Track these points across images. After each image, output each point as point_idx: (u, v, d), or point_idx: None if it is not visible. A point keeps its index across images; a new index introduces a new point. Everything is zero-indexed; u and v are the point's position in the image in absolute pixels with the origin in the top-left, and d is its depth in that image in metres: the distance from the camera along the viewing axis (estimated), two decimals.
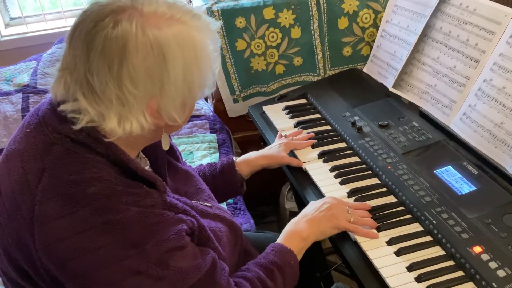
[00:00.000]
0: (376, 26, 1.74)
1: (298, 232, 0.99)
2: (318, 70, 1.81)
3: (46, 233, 0.71)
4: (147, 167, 0.94)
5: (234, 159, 1.24)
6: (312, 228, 0.99)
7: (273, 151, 1.26)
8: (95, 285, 0.73)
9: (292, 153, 1.31)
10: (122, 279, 0.72)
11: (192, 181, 1.04)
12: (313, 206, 1.04)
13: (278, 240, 0.98)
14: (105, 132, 0.76)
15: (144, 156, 0.95)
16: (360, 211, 1.05)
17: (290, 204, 1.93)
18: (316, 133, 1.37)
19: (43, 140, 0.76)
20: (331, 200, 1.05)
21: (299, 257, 0.97)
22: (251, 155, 1.26)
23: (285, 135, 1.35)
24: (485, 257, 0.90)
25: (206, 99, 2.15)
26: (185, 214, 0.82)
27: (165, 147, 0.85)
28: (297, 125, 1.43)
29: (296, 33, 1.74)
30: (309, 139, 1.33)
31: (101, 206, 0.72)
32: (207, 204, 0.98)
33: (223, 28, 1.70)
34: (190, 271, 0.77)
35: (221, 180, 1.21)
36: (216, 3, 1.71)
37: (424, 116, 1.35)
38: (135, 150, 0.85)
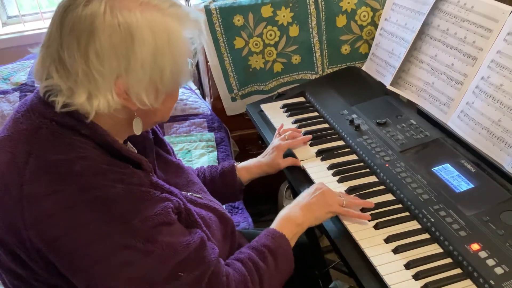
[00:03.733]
0: (374, 24, 1.74)
1: (292, 218, 1.01)
2: (316, 68, 1.81)
3: (35, 211, 0.73)
4: None
5: (235, 164, 1.25)
6: (307, 214, 1.01)
7: (267, 159, 1.25)
8: (84, 262, 0.74)
9: (290, 152, 1.30)
10: (111, 255, 0.73)
11: (183, 173, 1.05)
12: (306, 193, 1.07)
13: (272, 226, 1.00)
14: (81, 110, 0.78)
15: (132, 145, 0.96)
16: (352, 196, 1.08)
17: (288, 203, 1.92)
18: (314, 131, 1.37)
19: (30, 125, 0.79)
20: (322, 186, 1.07)
21: (292, 242, 0.98)
22: (251, 162, 1.27)
23: (279, 132, 1.34)
24: (482, 254, 0.90)
25: (204, 97, 2.15)
26: (171, 195, 0.84)
27: (136, 131, 0.85)
28: (295, 123, 1.42)
29: (294, 31, 1.74)
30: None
31: (87, 183, 0.74)
32: (197, 195, 0.99)
33: (221, 26, 1.70)
34: (179, 247, 0.79)
35: (221, 183, 1.22)
36: (213, 1, 1.71)
37: (422, 114, 1.35)
38: (119, 138, 0.86)
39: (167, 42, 0.78)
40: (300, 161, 1.26)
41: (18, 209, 0.73)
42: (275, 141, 1.30)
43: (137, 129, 0.85)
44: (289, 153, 1.30)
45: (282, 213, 1.03)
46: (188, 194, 0.97)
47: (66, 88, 0.76)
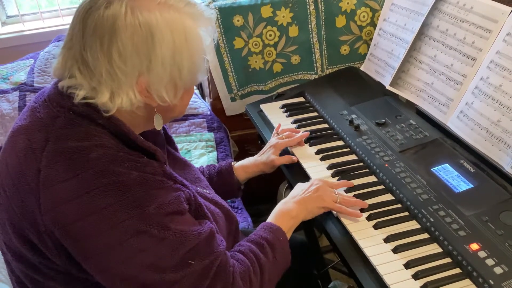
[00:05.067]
0: (373, 24, 1.74)
1: (287, 211, 1.03)
2: (315, 69, 1.81)
3: (51, 196, 0.74)
4: None
5: (233, 163, 1.26)
6: (300, 207, 1.04)
7: (263, 158, 1.26)
8: (98, 248, 0.75)
9: (288, 152, 1.30)
10: (125, 240, 0.74)
11: (190, 170, 1.08)
12: (301, 188, 1.09)
13: (269, 220, 1.03)
14: (102, 107, 0.79)
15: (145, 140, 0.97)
16: (347, 195, 1.10)
17: None
18: (314, 131, 1.37)
19: (48, 114, 0.81)
20: (317, 182, 1.09)
21: (288, 235, 1.01)
22: (248, 161, 1.28)
23: (276, 132, 1.35)
24: (482, 254, 0.90)
25: (203, 97, 2.15)
26: (183, 186, 0.86)
27: (157, 127, 0.88)
28: (294, 123, 1.43)
29: (293, 31, 1.74)
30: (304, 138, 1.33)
31: (103, 169, 0.75)
32: (206, 190, 1.02)
33: (221, 27, 1.70)
34: (190, 235, 0.80)
35: (218, 181, 1.23)
36: (213, 1, 1.71)
37: (421, 114, 1.35)
38: (134, 131, 0.87)
39: (185, 40, 0.80)
40: (298, 159, 1.26)
41: (34, 194, 0.75)
42: (272, 140, 1.31)
43: (158, 125, 0.88)
44: (288, 153, 1.30)
45: (277, 208, 1.06)
46: (199, 188, 0.99)
47: (90, 88, 0.79)
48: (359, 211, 1.05)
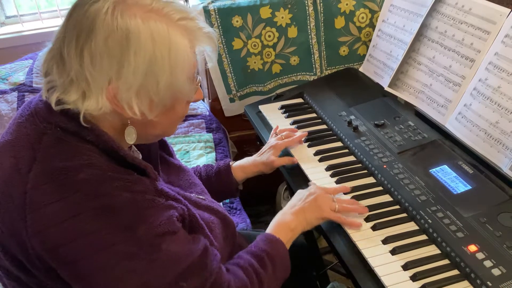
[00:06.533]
0: (372, 25, 1.74)
1: (286, 223, 1.01)
2: (314, 70, 1.82)
3: (38, 219, 0.72)
4: None
5: (231, 163, 1.25)
6: (299, 219, 1.02)
7: (262, 158, 1.25)
8: (88, 270, 0.73)
9: (288, 153, 1.30)
10: (115, 263, 0.73)
11: (185, 175, 1.05)
12: (299, 197, 1.07)
13: (268, 231, 1.00)
14: (74, 109, 0.76)
15: (136, 150, 0.95)
16: (347, 199, 1.07)
17: (286, 204, 1.93)
18: (312, 132, 1.37)
19: (34, 130, 0.78)
20: (315, 190, 1.07)
21: (287, 247, 0.99)
22: (246, 161, 1.26)
23: (275, 132, 1.34)
24: (480, 256, 0.90)
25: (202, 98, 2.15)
26: (176, 202, 0.83)
27: (128, 140, 0.83)
28: (293, 124, 1.43)
29: (292, 32, 1.75)
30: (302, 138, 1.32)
31: (92, 191, 0.73)
32: (200, 196, 0.99)
33: (220, 27, 1.71)
34: (182, 255, 0.78)
35: (216, 182, 1.22)
36: (212, 2, 1.71)
37: (420, 116, 1.35)
38: (124, 144, 0.84)
39: (167, 54, 0.76)
40: (300, 162, 1.26)
41: (20, 216, 0.72)
42: (272, 140, 1.30)
43: (129, 139, 0.83)
44: (287, 154, 1.30)
45: (276, 219, 1.03)
46: (192, 195, 0.96)
47: (61, 83, 0.76)
48: (359, 221, 1.03)
